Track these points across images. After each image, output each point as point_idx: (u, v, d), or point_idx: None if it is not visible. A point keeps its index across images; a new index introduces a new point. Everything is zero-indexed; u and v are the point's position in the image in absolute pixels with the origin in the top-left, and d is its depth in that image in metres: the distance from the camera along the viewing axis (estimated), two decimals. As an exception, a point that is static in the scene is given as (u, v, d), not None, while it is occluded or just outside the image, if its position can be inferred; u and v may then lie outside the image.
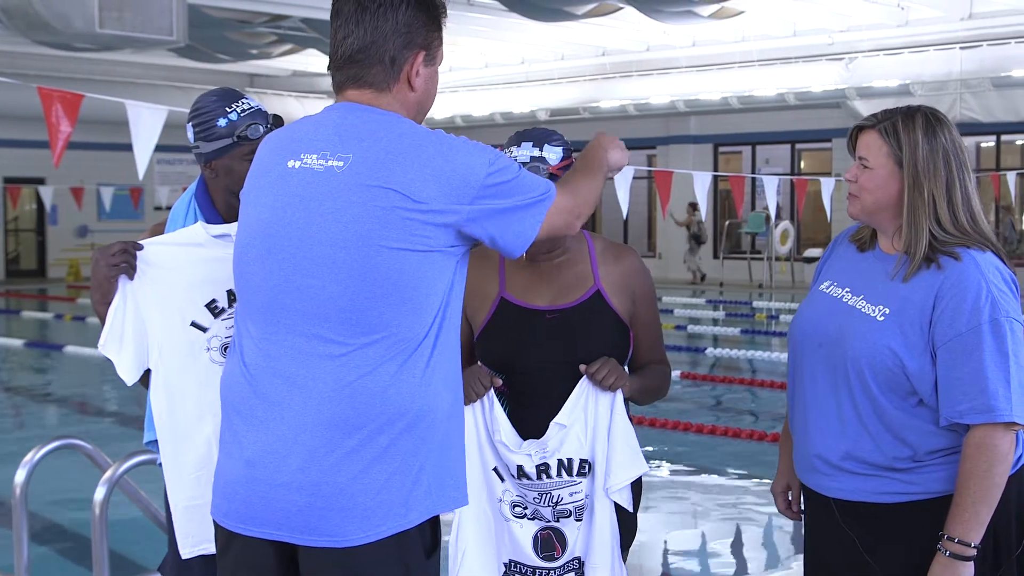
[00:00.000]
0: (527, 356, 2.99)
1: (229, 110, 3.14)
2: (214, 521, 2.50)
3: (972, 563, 2.61)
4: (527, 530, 2.98)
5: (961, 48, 19.57)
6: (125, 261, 2.96)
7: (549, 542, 2.98)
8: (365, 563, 2.33)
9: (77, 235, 27.72)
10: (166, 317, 2.98)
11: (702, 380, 11.53)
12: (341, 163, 2.36)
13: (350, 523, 2.32)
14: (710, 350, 13.36)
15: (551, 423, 2.93)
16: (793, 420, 2.95)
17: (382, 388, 2.32)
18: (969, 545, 2.60)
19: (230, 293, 2.99)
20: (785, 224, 22.82)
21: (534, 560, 2.98)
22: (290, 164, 2.42)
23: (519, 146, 3.00)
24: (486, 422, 2.97)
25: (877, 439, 2.71)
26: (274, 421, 2.36)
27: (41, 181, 23.98)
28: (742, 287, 23.19)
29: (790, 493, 3.14)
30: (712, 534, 6.57)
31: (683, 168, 20.50)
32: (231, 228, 2.96)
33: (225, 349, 2.98)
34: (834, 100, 21.25)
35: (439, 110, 26.42)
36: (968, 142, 23.02)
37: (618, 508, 2.99)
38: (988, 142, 23.09)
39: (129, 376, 3.00)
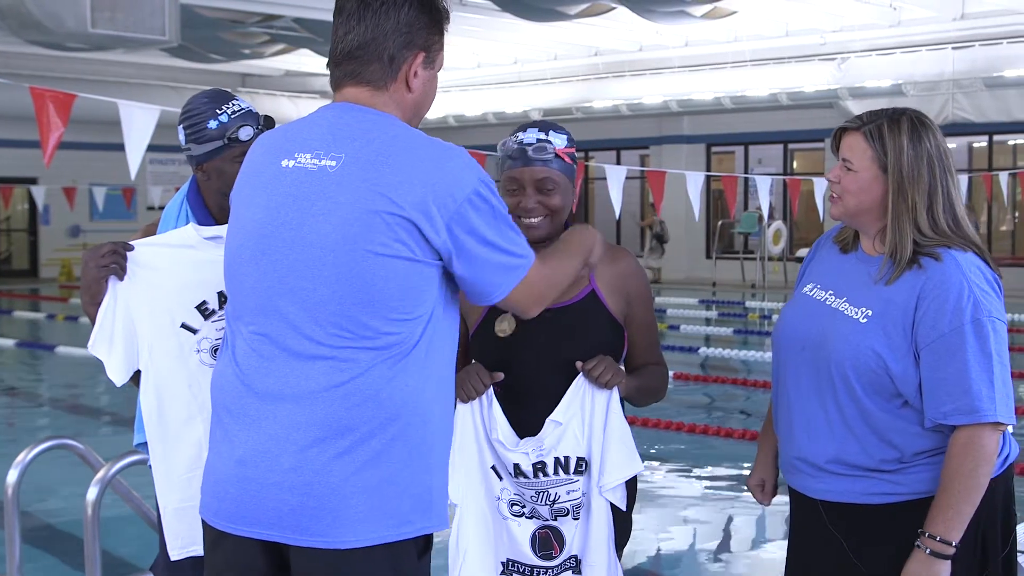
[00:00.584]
0: (521, 355, 2.99)
1: (219, 112, 3.13)
2: (202, 520, 2.49)
3: (949, 562, 2.62)
4: (525, 529, 2.98)
5: (953, 48, 19.59)
6: (115, 262, 2.95)
7: (547, 541, 2.97)
8: (358, 568, 2.33)
9: (69, 235, 27.66)
10: (156, 318, 2.98)
11: (695, 380, 11.54)
12: (334, 163, 2.35)
13: (341, 525, 2.31)
14: (703, 350, 13.36)
15: (547, 420, 2.93)
16: (778, 423, 2.96)
17: (374, 391, 2.32)
18: (950, 544, 2.61)
19: (220, 295, 2.98)
20: (778, 224, 22.85)
21: (532, 559, 2.98)
22: (284, 163, 2.42)
23: (525, 131, 3.05)
24: (484, 420, 2.97)
25: (863, 441, 2.72)
26: (266, 420, 2.36)
27: (33, 181, 23.91)
28: (735, 287, 23.20)
29: (765, 486, 3.13)
30: (704, 534, 6.57)
31: (676, 168, 20.51)
32: (223, 230, 2.95)
33: (215, 351, 2.98)
34: (827, 100, 21.28)
35: (432, 110, 26.04)
36: (960, 142, 23.10)
37: (613, 507, 2.99)
38: (980, 142, 23.13)
39: (118, 377, 2.99)
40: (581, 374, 2.95)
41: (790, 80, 21.36)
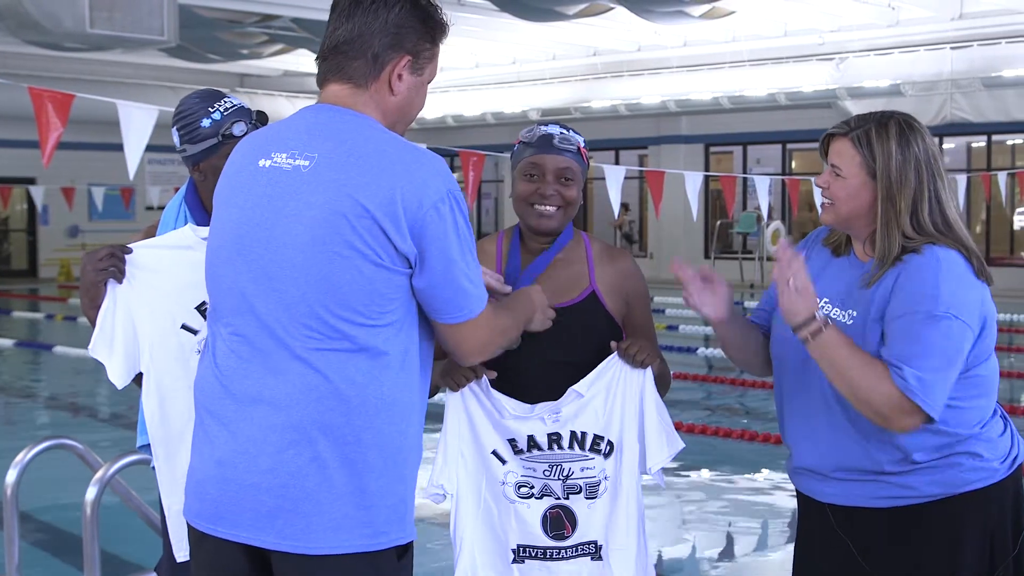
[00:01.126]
0: (521, 354, 2.99)
1: (212, 110, 3.13)
2: (186, 521, 2.50)
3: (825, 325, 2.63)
4: (535, 510, 2.96)
5: (951, 48, 19.59)
6: (113, 266, 2.95)
7: (558, 520, 2.96)
8: (336, 574, 2.33)
9: (68, 235, 27.65)
10: (156, 320, 2.97)
11: (693, 380, 11.54)
12: (307, 163, 2.34)
13: (315, 531, 2.31)
14: (701, 350, 13.37)
15: (569, 389, 2.93)
16: (783, 431, 2.94)
17: (347, 396, 2.31)
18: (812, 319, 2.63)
19: None
20: (776, 224, 22.85)
21: (544, 540, 2.95)
22: (261, 163, 2.42)
23: (547, 125, 3.11)
24: (483, 405, 2.95)
25: (864, 445, 2.71)
26: (245, 422, 2.35)
27: (32, 181, 23.88)
28: (734, 287, 23.17)
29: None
30: (703, 534, 6.58)
31: (674, 168, 20.51)
32: None
33: None
34: (825, 100, 21.27)
35: (430, 110, 26.36)
36: (959, 142, 23.12)
37: None
38: (979, 142, 23.13)
39: (120, 379, 2.99)
40: (615, 353, 2.96)
41: (788, 80, 21.36)
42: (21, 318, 19.31)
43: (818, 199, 14.12)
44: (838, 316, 2.74)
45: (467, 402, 2.96)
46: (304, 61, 24.98)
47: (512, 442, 2.95)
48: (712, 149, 26.17)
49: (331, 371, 2.31)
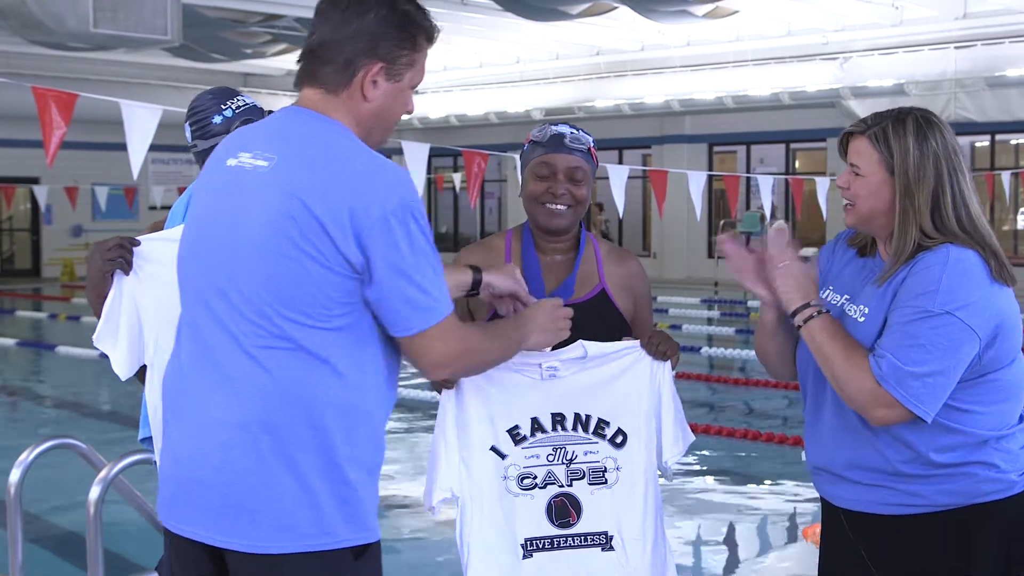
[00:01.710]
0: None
1: (224, 107, 3.15)
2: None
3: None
4: (539, 500, 2.96)
5: (955, 48, 19.58)
6: (121, 256, 2.97)
7: (563, 508, 2.96)
8: (287, 574, 2.33)
9: (71, 235, 27.68)
10: (162, 313, 2.99)
11: (696, 380, 11.54)
12: (266, 163, 2.35)
13: (263, 528, 2.31)
14: (705, 349, 13.36)
15: (578, 341, 2.95)
16: (805, 428, 2.93)
17: (292, 396, 2.31)
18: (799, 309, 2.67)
19: None
20: (780, 223, 22.75)
21: (550, 529, 2.96)
22: (228, 162, 2.43)
23: (557, 125, 3.14)
24: (480, 393, 2.95)
25: (876, 443, 2.68)
26: (198, 419, 2.37)
27: (35, 181, 23.91)
28: (736, 287, 23.09)
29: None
30: (705, 533, 6.57)
31: (678, 168, 20.50)
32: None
33: None
34: (828, 100, 21.26)
35: (434, 110, 26.40)
36: (962, 141, 23.02)
37: None
38: (982, 142, 23.10)
39: (123, 371, 3.01)
40: (636, 343, 2.98)
41: (792, 79, 21.35)
42: (24, 317, 19.33)
43: (822, 198, 14.02)
44: (851, 312, 2.73)
45: (462, 401, 2.96)
46: (307, 61, 24.96)
47: (514, 431, 2.95)
48: (716, 148, 26.16)
49: (278, 370, 2.31)
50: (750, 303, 19.13)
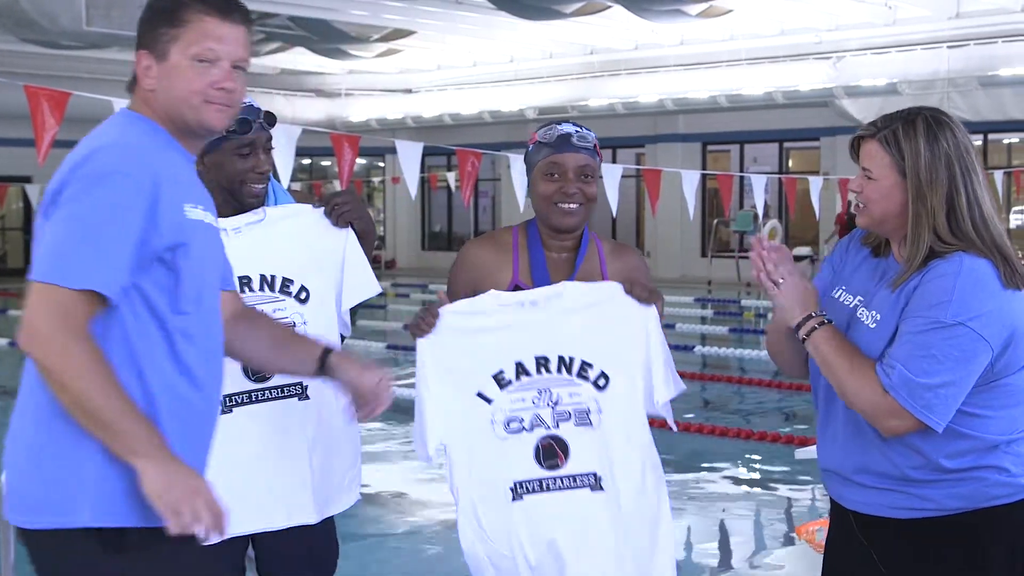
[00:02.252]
0: None
1: None
2: None
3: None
4: (526, 443, 2.99)
5: (948, 47, 19.59)
6: None
7: (551, 450, 2.98)
8: (33, 551, 2.41)
9: (64, 234, 27.63)
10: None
11: (690, 378, 11.53)
12: None
13: (21, 505, 2.38)
14: (698, 348, 13.37)
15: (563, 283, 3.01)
16: (818, 429, 2.92)
17: (30, 370, 2.43)
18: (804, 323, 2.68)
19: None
20: (773, 222, 22.85)
21: (539, 472, 2.98)
22: None
23: (560, 124, 3.18)
24: (462, 337, 2.98)
25: (886, 451, 2.67)
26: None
27: (28, 180, 23.85)
28: (730, 286, 23.20)
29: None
30: (699, 531, 6.58)
31: (671, 167, 20.51)
32: (227, 223, 3.08)
33: None
34: (822, 99, 21.25)
35: (428, 109, 26.40)
36: (955, 141, 23.04)
37: None
38: (975, 141, 22.86)
39: None
40: (620, 287, 3.01)
41: (785, 79, 21.34)
42: (17, 317, 19.26)
43: (815, 197, 14.00)
44: (863, 317, 2.71)
45: (441, 348, 2.98)
46: (301, 59, 24.96)
47: (499, 376, 2.97)
48: (709, 148, 26.15)
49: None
50: (743, 302, 19.14)
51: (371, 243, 3.28)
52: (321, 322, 3.15)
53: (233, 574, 3.26)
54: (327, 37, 21.01)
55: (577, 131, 3.15)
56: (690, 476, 7.71)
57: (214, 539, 2.27)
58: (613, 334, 2.99)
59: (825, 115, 21.40)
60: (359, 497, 3.30)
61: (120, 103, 8.27)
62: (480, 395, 2.98)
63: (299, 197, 3.48)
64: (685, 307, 18.44)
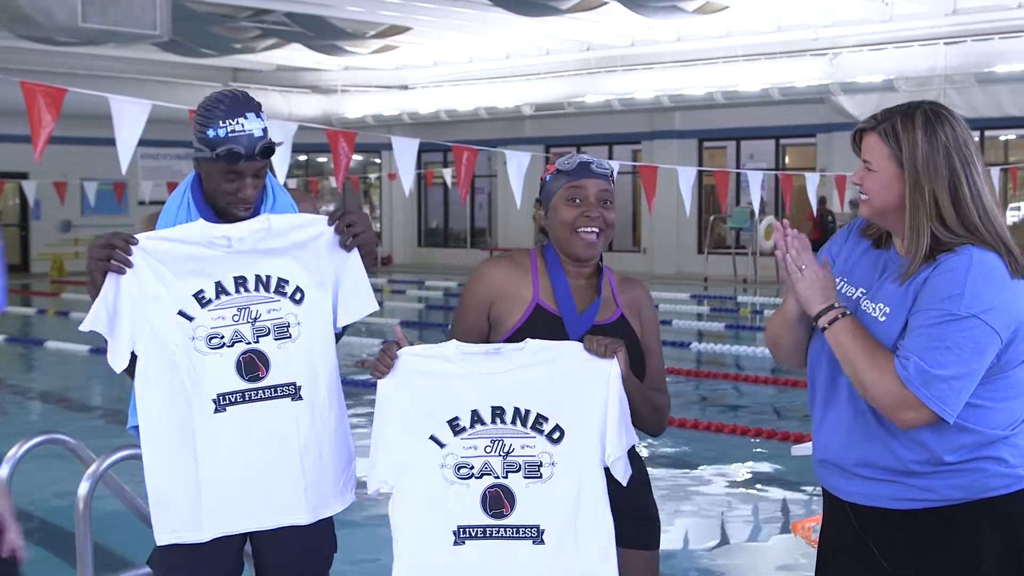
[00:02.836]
0: None
1: (223, 124, 3.10)
2: None
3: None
4: (474, 490, 2.97)
5: (945, 44, 19.61)
6: (110, 257, 2.98)
7: (497, 499, 2.97)
8: None
9: (60, 230, 27.60)
10: (154, 304, 3.04)
11: (686, 375, 11.55)
12: None
13: None
14: (695, 345, 13.38)
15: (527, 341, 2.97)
16: (813, 422, 2.92)
17: None
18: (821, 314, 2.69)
19: (218, 285, 3.06)
20: (769, 219, 22.85)
21: (483, 519, 2.96)
22: None
23: (575, 155, 3.24)
24: (424, 378, 2.96)
25: (887, 442, 2.68)
26: None
27: (24, 176, 23.84)
28: (727, 282, 23.22)
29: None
30: (695, 528, 6.59)
31: (668, 163, 20.51)
32: (229, 230, 3.06)
33: (211, 339, 3.05)
34: (818, 95, 21.27)
35: (424, 105, 26.38)
36: (951, 137, 23.06)
37: (634, 496, 3.06)
38: (972, 138, 23.11)
39: (118, 364, 3.03)
40: (582, 344, 2.97)
41: (782, 75, 21.36)
42: (13, 313, 19.26)
43: (812, 193, 14.00)
44: (869, 309, 2.72)
45: (400, 389, 2.97)
46: (297, 56, 24.95)
47: (454, 422, 2.97)
48: (705, 144, 26.16)
49: None
50: (739, 299, 19.16)
51: (373, 260, 3.27)
52: (316, 323, 3.15)
53: (231, 571, 3.27)
54: (323, 33, 21.00)
55: (595, 160, 3.21)
56: (685, 473, 7.72)
57: None
58: (571, 388, 2.97)
59: (821, 111, 21.41)
60: (354, 499, 3.30)
61: (117, 99, 8.26)
62: (433, 438, 2.97)
63: (295, 194, 3.47)
64: (681, 304, 18.46)
